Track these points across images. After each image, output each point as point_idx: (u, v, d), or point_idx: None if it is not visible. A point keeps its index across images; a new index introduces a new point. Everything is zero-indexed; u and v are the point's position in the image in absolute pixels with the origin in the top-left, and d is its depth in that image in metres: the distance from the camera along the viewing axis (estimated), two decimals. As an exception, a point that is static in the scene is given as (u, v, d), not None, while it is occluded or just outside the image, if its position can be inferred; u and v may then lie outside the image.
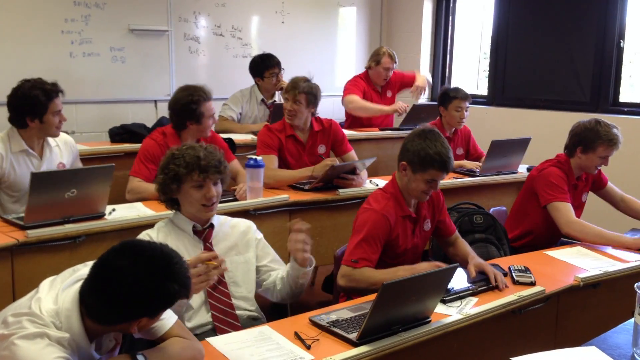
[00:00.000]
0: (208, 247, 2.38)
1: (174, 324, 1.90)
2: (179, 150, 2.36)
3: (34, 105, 3.09)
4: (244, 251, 2.47)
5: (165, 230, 2.39)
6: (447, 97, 4.41)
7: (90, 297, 1.64)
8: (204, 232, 2.40)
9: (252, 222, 2.56)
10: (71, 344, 1.63)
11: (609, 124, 3.27)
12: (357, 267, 2.54)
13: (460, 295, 2.38)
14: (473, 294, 2.41)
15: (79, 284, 1.70)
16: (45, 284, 1.74)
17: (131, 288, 1.59)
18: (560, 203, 3.21)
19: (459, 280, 2.51)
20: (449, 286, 2.38)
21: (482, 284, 2.49)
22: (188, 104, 3.39)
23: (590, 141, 3.25)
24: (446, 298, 2.33)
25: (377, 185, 3.67)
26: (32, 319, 1.62)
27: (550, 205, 3.23)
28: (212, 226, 2.43)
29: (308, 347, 1.96)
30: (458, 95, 4.37)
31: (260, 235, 2.54)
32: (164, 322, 1.88)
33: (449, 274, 2.18)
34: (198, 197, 2.32)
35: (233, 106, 4.95)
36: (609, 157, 3.29)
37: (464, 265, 2.68)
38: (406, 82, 5.49)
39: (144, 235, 2.35)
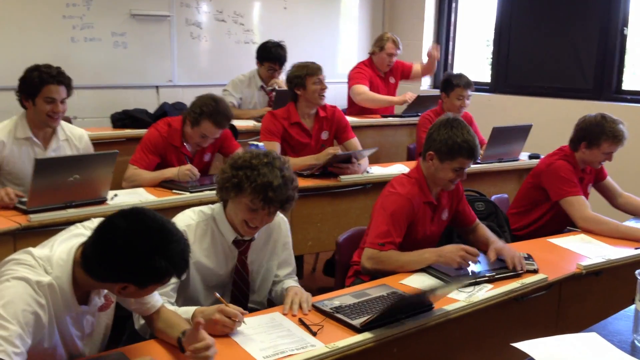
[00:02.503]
0: (242, 259, 2.31)
1: (162, 305, 1.99)
2: (259, 162, 2.14)
3: (28, 85, 3.06)
4: (270, 259, 2.42)
5: (204, 227, 2.26)
6: (449, 84, 4.38)
7: (88, 247, 1.69)
8: (243, 244, 2.31)
9: (285, 220, 2.45)
10: (52, 288, 1.68)
11: (615, 119, 3.22)
12: (383, 250, 2.55)
13: (477, 281, 2.38)
14: (489, 281, 2.41)
15: (77, 239, 1.75)
16: (40, 245, 1.80)
17: (119, 249, 1.63)
18: (574, 197, 3.18)
19: (478, 265, 2.52)
20: (468, 271, 2.43)
21: (499, 272, 2.48)
22: (199, 111, 3.31)
23: (595, 137, 3.21)
24: (460, 285, 2.32)
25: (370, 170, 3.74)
26: (18, 261, 1.68)
27: (564, 201, 3.21)
28: (252, 238, 2.31)
29: (314, 334, 1.97)
30: (461, 83, 4.34)
31: (289, 238, 2.46)
32: (157, 299, 1.97)
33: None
34: (247, 217, 2.17)
35: (233, 92, 4.94)
36: (612, 153, 3.26)
37: (485, 250, 2.68)
38: (406, 71, 5.50)
39: (186, 215, 2.27)
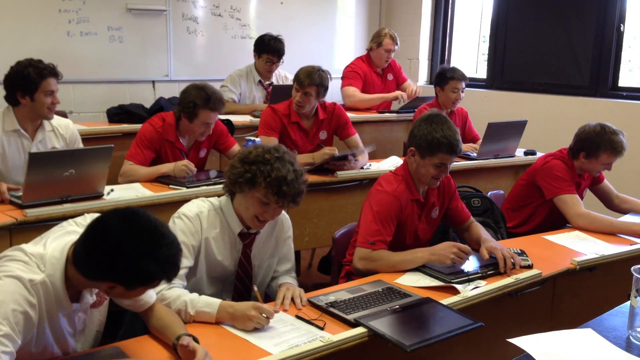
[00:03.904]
0: (246, 252, 2.32)
1: (156, 301, 1.99)
2: (272, 156, 2.16)
3: (25, 82, 3.07)
4: (272, 255, 2.43)
5: (214, 216, 2.27)
6: (444, 77, 4.39)
7: (79, 243, 1.68)
8: (248, 238, 2.32)
9: (287, 216, 2.46)
10: (44, 286, 1.67)
11: (615, 130, 3.22)
12: (375, 249, 2.54)
13: (470, 278, 2.39)
14: (482, 277, 2.42)
15: (70, 237, 1.74)
16: (32, 241, 1.80)
17: (108, 249, 1.61)
18: (568, 195, 3.19)
19: (472, 262, 2.53)
20: (461, 268, 2.44)
21: (492, 268, 2.48)
22: (192, 104, 3.31)
23: (594, 148, 3.21)
24: (454, 280, 2.35)
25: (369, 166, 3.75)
26: (11, 257, 1.68)
27: (557, 199, 3.22)
28: (257, 232, 2.33)
29: (321, 328, 1.99)
30: (455, 75, 4.35)
31: (290, 232, 2.47)
32: (150, 295, 1.97)
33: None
34: (258, 211, 2.18)
35: (232, 87, 4.92)
36: (612, 164, 3.26)
37: (478, 249, 2.68)
38: (400, 80, 5.48)
39: (196, 203, 2.27)
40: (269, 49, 4.85)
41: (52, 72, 3.12)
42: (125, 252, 1.60)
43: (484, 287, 2.34)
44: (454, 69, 4.44)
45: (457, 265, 2.46)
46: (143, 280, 1.67)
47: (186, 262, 2.18)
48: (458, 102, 4.43)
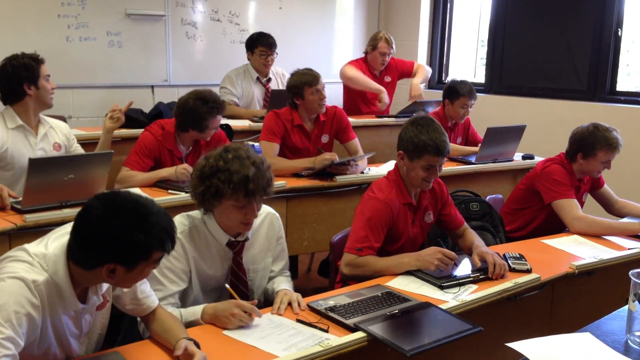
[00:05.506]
0: (237, 260, 2.31)
1: (158, 305, 2.01)
2: (225, 161, 2.14)
3: (28, 71, 3.13)
4: (265, 255, 2.42)
5: (196, 232, 2.25)
6: (455, 92, 4.36)
7: (70, 237, 1.71)
8: (237, 245, 2.30)
9: (277, 215, 2.47)
10: (48, 285, 1.68)
11: (608, 127, 3.24)
12: (361, 255, 2.55)
13: (460, 282, 2.39)
14: (473, 282, 2.43)
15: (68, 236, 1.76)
16: (34, 242, 1.81)
17: (95, 228, 1.65)
18: (565, 200, 3.20)
19: (462, 267, 2.53)
20: (453, 272, 2.44)
21: (483, 272, 2.49)
22: (199, 116, 3.32)
23: (589, 147, 3.23)
24: (444, 284, 2.35)
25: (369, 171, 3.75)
26: (15, 258, 1.70)
27: (555, 203, 3.23)
28: (246, 239, 2.32)
29: (325, 331, 2.00)
30: (466, 92, 4.32)
31: (281, 232, 2.47)
32: (152, 299, 1.99)
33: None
34: (239, 217, 2.18)
35: (231, 88, 4.93)
36: (611, 161, 3.27)
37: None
38: (405, 71, 5.49)
39: (177, 221, 2.19)
40: (260, 42, 4.90)
41: (40, 59, 3.22)
42: (113, 228, 1.64)
43: (483, 291, 2.34)
44: (465, 84, 4.38)
45: (448, 270, 2.46)
46: (139, 253, 1.68)
47: (175, 287, 2.18)
48: (465, 116, 4.44)
